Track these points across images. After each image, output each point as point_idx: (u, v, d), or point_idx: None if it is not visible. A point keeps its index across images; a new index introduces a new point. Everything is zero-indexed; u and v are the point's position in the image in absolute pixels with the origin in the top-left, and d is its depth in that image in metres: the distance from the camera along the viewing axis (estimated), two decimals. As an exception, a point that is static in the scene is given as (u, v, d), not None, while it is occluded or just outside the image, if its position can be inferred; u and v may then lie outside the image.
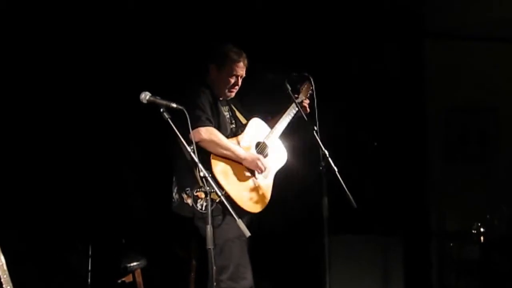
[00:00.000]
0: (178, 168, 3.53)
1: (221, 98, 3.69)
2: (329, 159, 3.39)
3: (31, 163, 4.14)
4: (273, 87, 3.73)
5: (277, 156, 3.79)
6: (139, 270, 4.19)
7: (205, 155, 3.40)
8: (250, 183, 3.59)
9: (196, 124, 3.36)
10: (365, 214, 4.12)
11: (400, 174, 5.25)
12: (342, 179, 3.37)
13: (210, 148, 3.43)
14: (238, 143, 3.61)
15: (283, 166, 3.80)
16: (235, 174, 3.53)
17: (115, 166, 4.45)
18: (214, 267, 2.94)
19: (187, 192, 3.42)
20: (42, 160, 4.17)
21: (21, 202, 4.01)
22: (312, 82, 3.70)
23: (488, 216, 5.00)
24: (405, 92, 5.40)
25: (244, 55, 3.64)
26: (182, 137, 2.94)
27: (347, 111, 5.14)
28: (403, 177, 5.27)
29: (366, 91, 5.25)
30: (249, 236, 2.87)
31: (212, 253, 2.90)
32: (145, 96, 2.99)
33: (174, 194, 3.57)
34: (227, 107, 3.74)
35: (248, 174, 3.60)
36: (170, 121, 2.93)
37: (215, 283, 3.00)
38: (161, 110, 2.95)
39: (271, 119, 3.86)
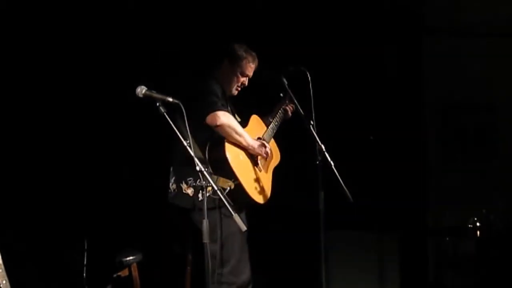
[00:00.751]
0: (180, 158, 3.50)
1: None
2: (326, 153, 3.40)
3: (26, 159, 4.13)
4: (268, 84, 3.74)
5: (274, 152, 3.82)
6: (135, 264, 4.18)
7: (219, 141, 3.40)
8: (256, 174, 3.61)
9: (213, 108, 3.36)
10: (361, 209, 4.13)
11: (396, 170, 5.25)
12: (339, 174, 3.38)
13: (227, 132, 3.42)
14: None
15: (278, 164, 3.84)
16: (246, 163, 3.55)
17: (110, 161, 4.44)
18: (210, 262, 2.95)
19: (189, 182, 3.41)
20: (37, 156, 4.17)
21: (16, 197, 4.00)
22: (309, 77, 3.69)
23: (484, 211, 5.01)
24: (403, 90, 5.40)
25: (256, 58, 3.67)
26: (180, 131, 2.93)
27: (344, 108, 5.15)
28: (400, 174, 5.27)
29: (364, 89, 5.25)
30: (246, 231, 2.88)
31: (208, 248, 2.91)
32: (141, 90, 2.99)
33: (171, 184, 3.55)
34: (229, 102, 3.74)
35: (254, 165, 3.62)
36: (166, 115, 2.93)
37: (215, 276, 3.01)
38: (157, 104, 2.95)
39: (265, 117, 3.89)
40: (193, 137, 2.97)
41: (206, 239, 2.90)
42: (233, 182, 3.38)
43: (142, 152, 4.53)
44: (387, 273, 4.93)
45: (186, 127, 2.93)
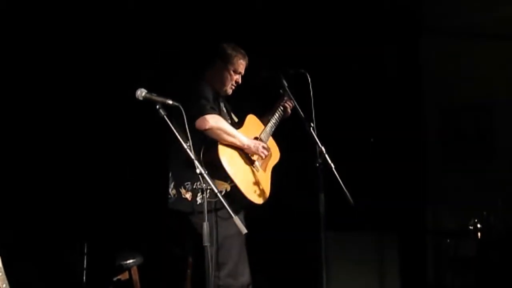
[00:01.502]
0: (176, 163, 3.50)
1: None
2: (326, 155, 3.40)
3: (27, 160, 4.12)
4: (268, 84, 3.73)
5: (273, 151, 3.79)
6: (135, 268, 4.17)
7: (212, 144, 3.39)
8: (253, 174, 3.59)
9: (203, 112, 3.35)
10: (361, 210, 4.12)
11: (396, 170, 5.25)
12: (339, 176, 3.37)
13: (218, 135, 3.40)
14: None
15: (277, 163, 3.81)
16: (241, 164, 3.53)
17: (111, 164, 4.43)
18: (211, 265, 2.94)
19: (187, 186, 3.41)
20: (38, 158, 4.15)
21: (16, 200, 3.99)
22: (309, 79, 3.69)
23: (484, 213, 5.00)
24: (403, 90, 5.40)
25: (246, 55, 3.67)
26: (179, 134, 2.92)
27: (344, 108, 5.15)
28: (400, 174, 5.27)
29: (364, 90, 5.25)
30: (246, 233, 2.88)
31: (208, 251, 2.90)
32: (141, 92, 2.97)
33: (170, 190, 3.54)
34: (223, 103, 3.73)
35: (250, 165, 3.60)
36: (166, 118, 2.92)
37: (213, 279, 3.00)
38: (157, 107, 2.93)
39: (262, 116, 3.87)
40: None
41: (206, 242, 2.89)
42: (229, 184, 3.36)
43: (142, 155, 4.52)
44: (387, 273, 4.94)
45: (186, 129, 2.92)
